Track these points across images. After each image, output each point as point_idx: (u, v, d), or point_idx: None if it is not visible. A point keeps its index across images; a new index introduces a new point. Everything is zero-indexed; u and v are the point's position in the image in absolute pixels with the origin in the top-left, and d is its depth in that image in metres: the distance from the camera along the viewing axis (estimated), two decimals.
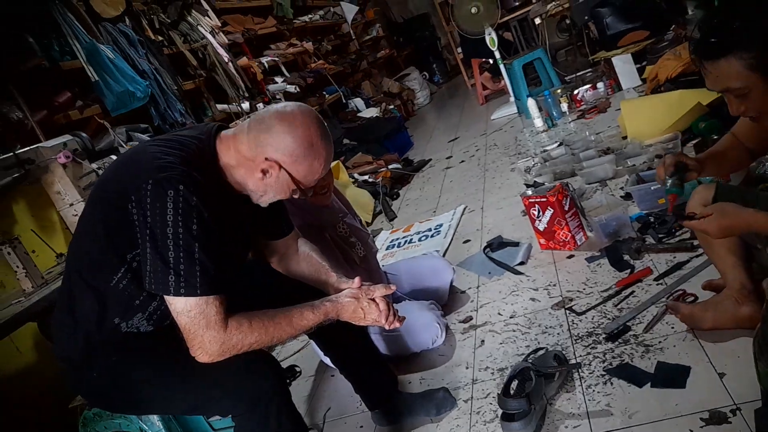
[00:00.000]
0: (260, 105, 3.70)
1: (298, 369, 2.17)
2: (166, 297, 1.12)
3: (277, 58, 4.71)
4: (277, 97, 4.33)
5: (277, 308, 1.23)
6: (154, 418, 1.49)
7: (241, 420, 1.21)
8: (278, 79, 4.66)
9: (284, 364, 2.24)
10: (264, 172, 1.22)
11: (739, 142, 1.42)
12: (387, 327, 1.33)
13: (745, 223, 1.18)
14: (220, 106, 3.69)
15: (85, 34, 2.81)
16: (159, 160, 1.14)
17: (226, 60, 3.73)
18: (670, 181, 1.37)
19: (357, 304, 1.31)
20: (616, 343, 1.57)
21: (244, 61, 4.13)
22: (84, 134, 2.42)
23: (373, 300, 1.32)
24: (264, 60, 4.47)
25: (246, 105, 3.74)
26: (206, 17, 3.73)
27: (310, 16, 6.14)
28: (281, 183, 1.24)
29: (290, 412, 1.25)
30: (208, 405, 1.26)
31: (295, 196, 1.29)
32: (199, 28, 3.62)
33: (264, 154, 1.20)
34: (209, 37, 3.64)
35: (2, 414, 1.98)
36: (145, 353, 1.23)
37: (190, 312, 1.11)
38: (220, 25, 3.92)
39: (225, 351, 1.14)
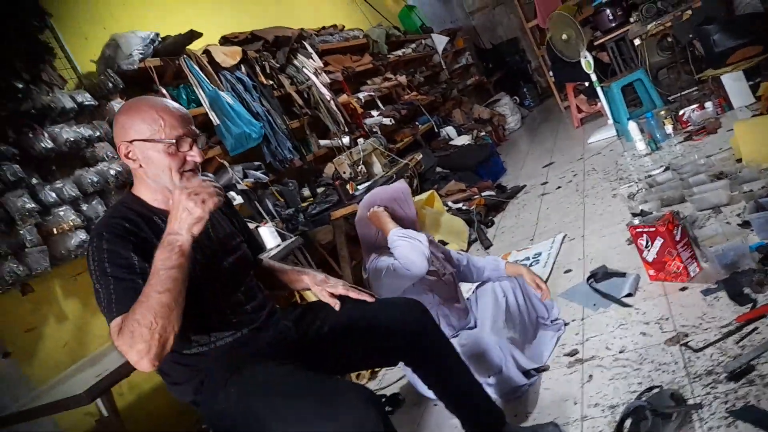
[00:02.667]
0: (360, 139, 3.88)
1: (401, 397, 2.24)
2: None
3: (373, 93, 4.91)
4: (374, 130, 4.52)
5: None
6: None
7: None
8: (374, 113, 4.86)
9: (387, 392, 2.32)
10: (128, 157, 1.34)
11: None
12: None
13: None
14: (322, 142, 3.92)
15: (208, 83, 3.13)
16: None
17: (328, 98, 3.97)
18: None
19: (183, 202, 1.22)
20: (740, 383, 1.50)
21: (343, 98, 4.36)
22: (209, 173, 2.69)
23: None
24: (361, 95, 4.69)
25: (346, 139, 3.94)
26: (310, 59, 4.00)
27: (403, 50, 6.35)
28: (146, 153, 1.33)
29: None
30: None
31: (182, 156, 1.34)
32: (304, 70, 3.89)
33: (117, 148, 1.36)
34: (313, 78, 3.89)
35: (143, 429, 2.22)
36: (261, 384, 1.32)
37: (113, 330, 1.20)
38: (322, 66, 4.18)
39: (126, 335, 1.15)
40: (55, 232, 2.25)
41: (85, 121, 2.65)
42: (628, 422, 1.46)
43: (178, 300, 1.19)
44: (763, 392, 1.44)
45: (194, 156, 1.37)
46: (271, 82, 3.58)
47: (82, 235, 2.35)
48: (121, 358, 1.93)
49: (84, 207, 2.43)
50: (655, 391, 1.58)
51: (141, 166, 1.36)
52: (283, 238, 2.62)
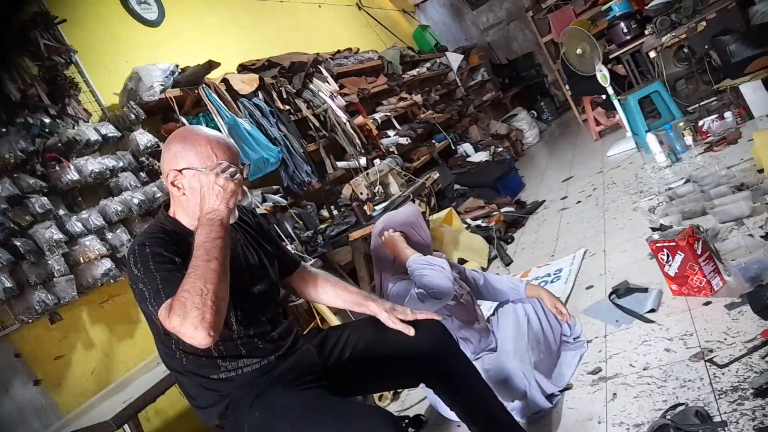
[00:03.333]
0: (376, 160, 3.92)
1: (423, 418, 2.23)
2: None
3: (388, 113, 4.97)
4: (391, 150, 4.56)
5: None
6: None
7: None
8: (390, 133, 4.91)
9: (410, 413, 2.31)
10: (173, 184, 1.40)
11: None
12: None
13: None
14: (340, 164, 3.97)
15: (227, 111, 3.21)
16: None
17: (344, 120, 4.03)
18: None
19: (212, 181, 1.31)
20: (767, 399, 1.47)
21: (359, 119, 4.42)
22: None
23: None
24: (377, 116, 4.75)
25: (363, 160, 3.99)
26: (326, 83, 4.08)
27: (418, 69, 6.41)
28: (193, 180, 1.37)
29: None
30: None
31: (233, 181, 1.33)
32: (320, 93, 3.96)
33: (164, 174, 1.41)
34: (329, 101, 3.96)
35: None
36: (284, 405, 1.34)
37: (163, 314, 1.22)
38: (338, 89, 4.25)
39: (177, 309, 1.17)
40: (82, 261, 2.32)
41: (109, 152, 2.75)
42: None
43: (225, 268, 1.23)
44: None
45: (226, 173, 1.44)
46: (288, 107, 3.66)
47: (107, 264, 2.41)
48: (147, 384, 1.98)
49: (109, 236, 2.51)
50: (680, 408, 1.55)
51: (185, 194, 1.41)
52: (303, 260, 2.65)
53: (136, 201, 2.62)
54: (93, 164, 2.56)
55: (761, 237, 2.23)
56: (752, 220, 2.43)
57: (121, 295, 2.63)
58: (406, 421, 2.24)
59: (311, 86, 3.96)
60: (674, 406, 1.58)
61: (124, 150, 2.81)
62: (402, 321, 1.56)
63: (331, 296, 1.72)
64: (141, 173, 2.83)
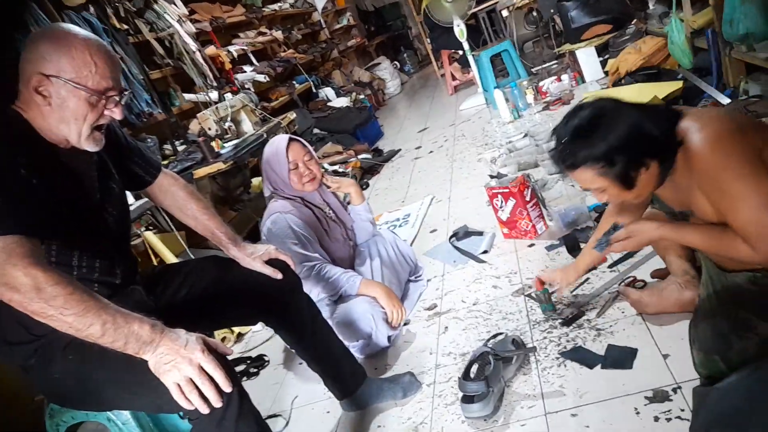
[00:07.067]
0: (228, 95, 3.68)
1: (266, 358, 2.22)
2: None
3: (245, 47, 4.67)
4: (246, 86, 4.31)
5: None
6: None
7: (198, 423, 1.15)
8: (247, 68, 4.64)
9: (253, 353, 2.28)
10: (37, 91, 1.15)
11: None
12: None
13: (657, 236, 1.31)
14: (187, 96, 3.66)
15: (49, 24, 2.76)
16: None
17: (194, 49, 3.70)
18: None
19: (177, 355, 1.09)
20: (571, 327, 1.66)
21: (212, 50, 4.09)
22: None
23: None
24: (232, 49, 4.44)
25: (214, 94, 3.72)
26: (173, 5, 3.69)
27: (279, 4, 6.09)
28: (62, 94, 1.15)
29: (249, 415, 1.18)
30: (169, 405, 1.16)
31: (101, 111, 1.18)
32: (166, 16, 3.58)
33: (25, 75, 1.16)
34: (176, 25, 3.59)
35: None
36: (102, 351, 1.14)
37: None
38: (187, 13, 3.87)
39: (33, 289, 1.02)
40: None
41: None
42: (474, 367, 1.55)
43: (81, 333, 1.05)
44: (589, 334, 1.60)
45: (115, 114, 1.21)
46: (126, 27, 3.25)
47: None
48: None
49: None
50: (500, 337, 1.70)
51: (50, 105, 1.15)
52: (137, 197, 2.42)
53: None
54: None
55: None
56: None
57: None
58: (248, 361, 2.22)
59: (156, 7, 3.54)
60: (495, 336, 1.73)
61: None
62: (265, 264, 1.50)
63: (190, 220, 1.54)
64: None
